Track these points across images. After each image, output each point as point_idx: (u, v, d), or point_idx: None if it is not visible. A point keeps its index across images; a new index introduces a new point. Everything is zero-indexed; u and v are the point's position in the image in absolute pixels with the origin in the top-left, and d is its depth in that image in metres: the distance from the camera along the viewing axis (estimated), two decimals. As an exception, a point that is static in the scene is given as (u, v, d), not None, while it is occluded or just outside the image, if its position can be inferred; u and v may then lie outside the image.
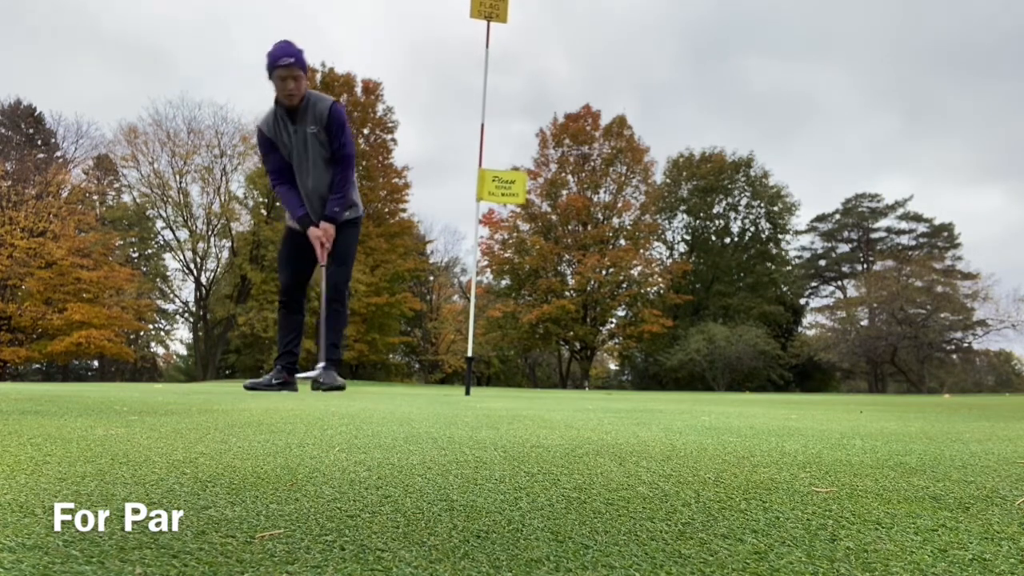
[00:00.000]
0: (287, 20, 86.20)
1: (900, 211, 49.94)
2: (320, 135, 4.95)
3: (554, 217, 41.50)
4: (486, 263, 41.03)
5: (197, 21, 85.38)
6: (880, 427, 2.28)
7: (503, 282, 43.18)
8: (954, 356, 42.13)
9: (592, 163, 41.76)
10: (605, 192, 41.81)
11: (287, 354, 5.18)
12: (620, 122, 41.63)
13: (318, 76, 40.72)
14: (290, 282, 5.24)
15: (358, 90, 41.03)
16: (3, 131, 38.59)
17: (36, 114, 40.18)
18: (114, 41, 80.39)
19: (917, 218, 49.48)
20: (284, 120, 4.95)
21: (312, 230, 4.94)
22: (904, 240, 49.89)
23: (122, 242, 39.71)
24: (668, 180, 47.03)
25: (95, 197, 40.08)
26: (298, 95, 4.86)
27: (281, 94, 4.88)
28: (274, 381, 5.11)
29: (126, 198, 41.40)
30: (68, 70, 76.25)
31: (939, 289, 37.27)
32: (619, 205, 41.46)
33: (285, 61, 4.81)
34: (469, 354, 6.33)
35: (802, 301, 49.89)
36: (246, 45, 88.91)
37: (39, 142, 39.53)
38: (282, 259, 5.31)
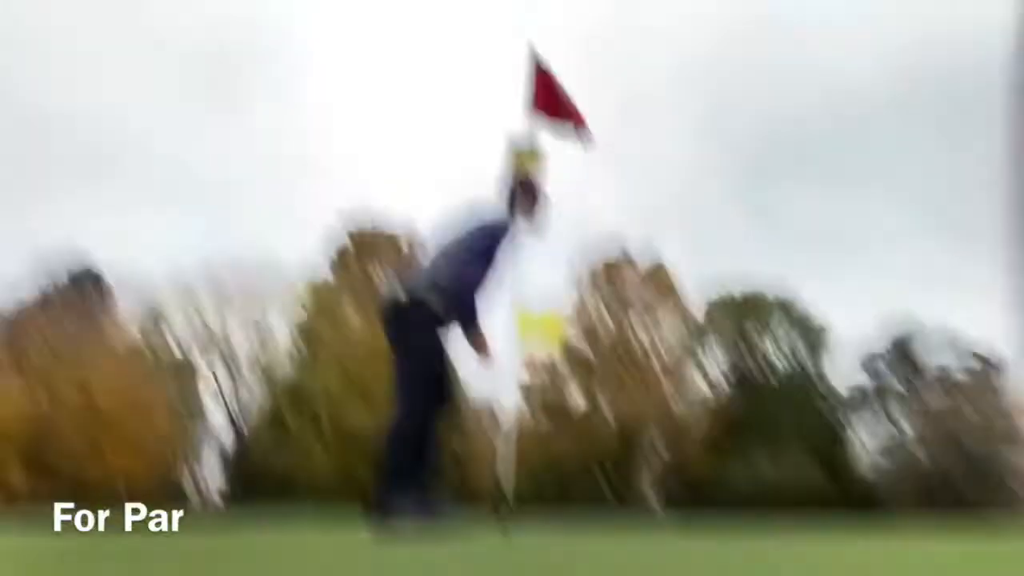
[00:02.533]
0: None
1: (950, 341, 48.41)
2: None
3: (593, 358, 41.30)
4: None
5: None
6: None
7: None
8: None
9: (632, 307, 42.39)
10: (644, 333, 42.03)
11: None
12: (660, 270, 42.54)
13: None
14: None
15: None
16: (69, 294, 40.31)
17: (98, 278, 41.92)
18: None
19: (969, 350, 47.79)
20: None
21: None
22: (955, 374, 48.02)
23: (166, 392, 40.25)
24: (709, 320, 46.84)
25: (145, 351, 41.10)
26: None
27: None
28: None
29: (173, 346, 42.30)
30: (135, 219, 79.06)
31: (998, 424, 35.45)
32: (658, 344, 41.38)
33: None
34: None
35: (852, 439, 47.64)
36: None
37: (97, 302, 41.13)
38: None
